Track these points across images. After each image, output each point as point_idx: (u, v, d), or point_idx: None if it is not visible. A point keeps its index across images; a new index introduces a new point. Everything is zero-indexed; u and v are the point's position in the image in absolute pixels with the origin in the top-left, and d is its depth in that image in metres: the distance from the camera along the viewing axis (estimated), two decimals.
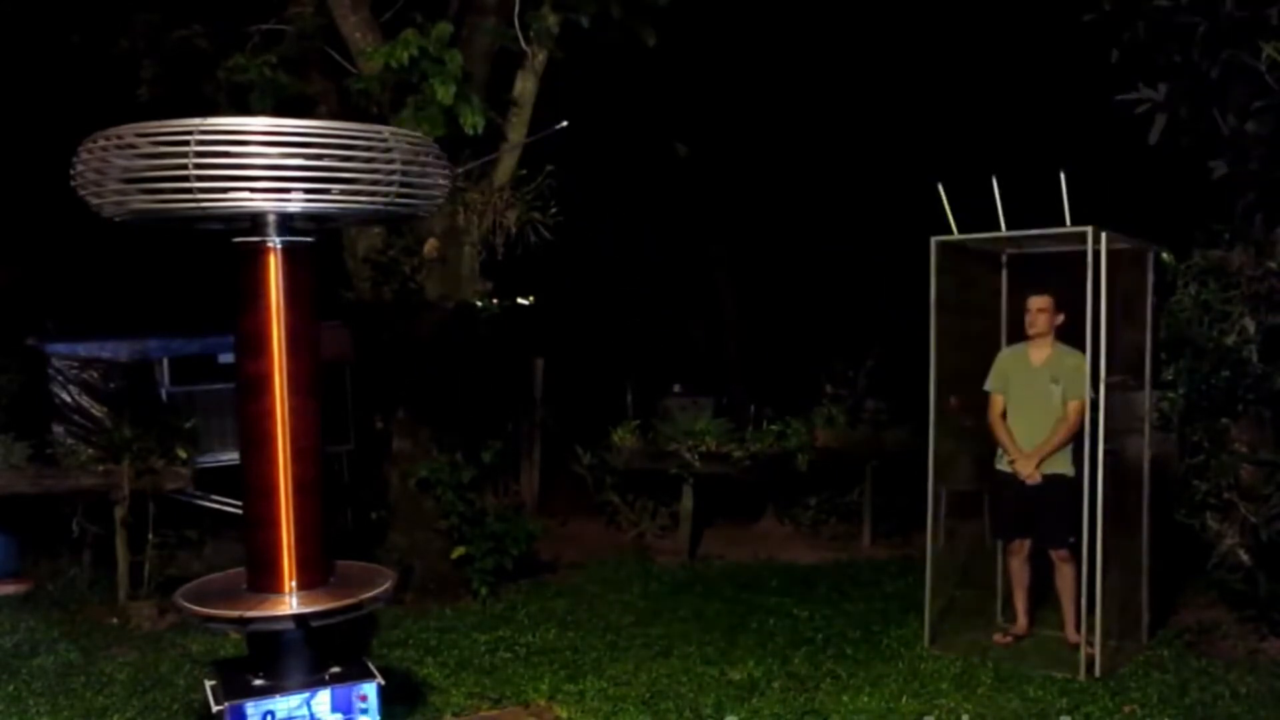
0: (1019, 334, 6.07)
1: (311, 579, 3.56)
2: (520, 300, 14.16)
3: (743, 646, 6.08)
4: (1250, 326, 5.92)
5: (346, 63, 6.98)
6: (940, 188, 5.92)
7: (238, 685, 3.50)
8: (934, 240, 5.99)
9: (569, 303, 13.78)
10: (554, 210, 7.17)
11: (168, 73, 7.23)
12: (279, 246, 3.43)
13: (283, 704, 3.45)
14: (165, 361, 7.89)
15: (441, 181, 3.56)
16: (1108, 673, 5.55)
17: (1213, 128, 5.90)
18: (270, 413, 3.46)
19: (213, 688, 3.59)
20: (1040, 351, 5.96)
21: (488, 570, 6.98)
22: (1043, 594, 6.25)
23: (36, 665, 5.84)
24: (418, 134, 3.52)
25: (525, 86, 7.11)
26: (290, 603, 3.48)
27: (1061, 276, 5.84)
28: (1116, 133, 6.55)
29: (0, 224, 9.25)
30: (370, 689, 3.57)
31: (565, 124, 6.18)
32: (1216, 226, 6.14)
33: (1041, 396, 5.89)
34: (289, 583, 3.52)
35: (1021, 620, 6.21)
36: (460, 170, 6.54)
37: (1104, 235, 5.42)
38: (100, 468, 6.94)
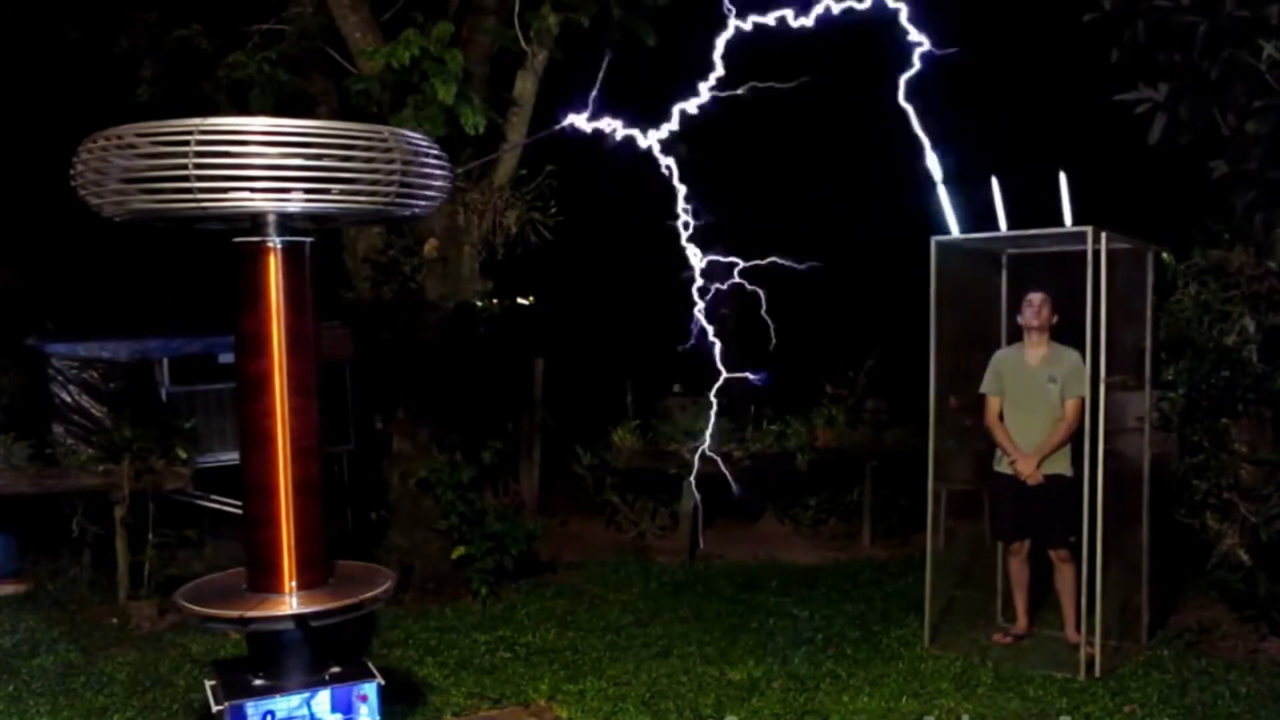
0: (1019, 334, 6.07)
1: (311, 579, 3.57)
2: (520, 300, 14.14)
3: (743, 646, 6.08)
4: (1250, 326, 5.93)
5: (346, 63, 6.98)
6: (941, 188, 5.92)
7: (238, 685, 3.50)
8: (934, 240, 5.99)
9: (569, 303, 13.76)
10: (554, 210, 7.17)
11: (168, 72, 7.23)
12: (279, 246, 3.43)
13: (283, 704, 3.45)
14: (165, 361, 7.88)
15: (441, 181, 3.56)
16: (1108, 673, 5.56)
17: (1213, 128, 5.91)
18: (270, 413, 3.47)
19: (213, 688, 3.59)
20: (1036, 351, 5.95)
21: (488, 570, 6.98)
22: (1043, 594, 6.25)
23: (36, 665, 5.85)
24: (418, 134, 3.52)
25: (525, 86, 7.11)
26: (290, 603, 3.49)
27: (1061, 276, 5.84)
28: (1116, 133, 6.55)
29: (0, 224, 9.24)
30: (370, 689, 3.57)
31: (566, 124, 6.18)
32: (1216, 226, 6.14)
33: (1040, 396, 5.89)
34: (289, 583, 3.52)
35: (1021, 620, 6.21)
36: (460, 170, 6.54)
37: (1104, 235, 5.42)
38: (100, 468, 6.95)
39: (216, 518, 7.46)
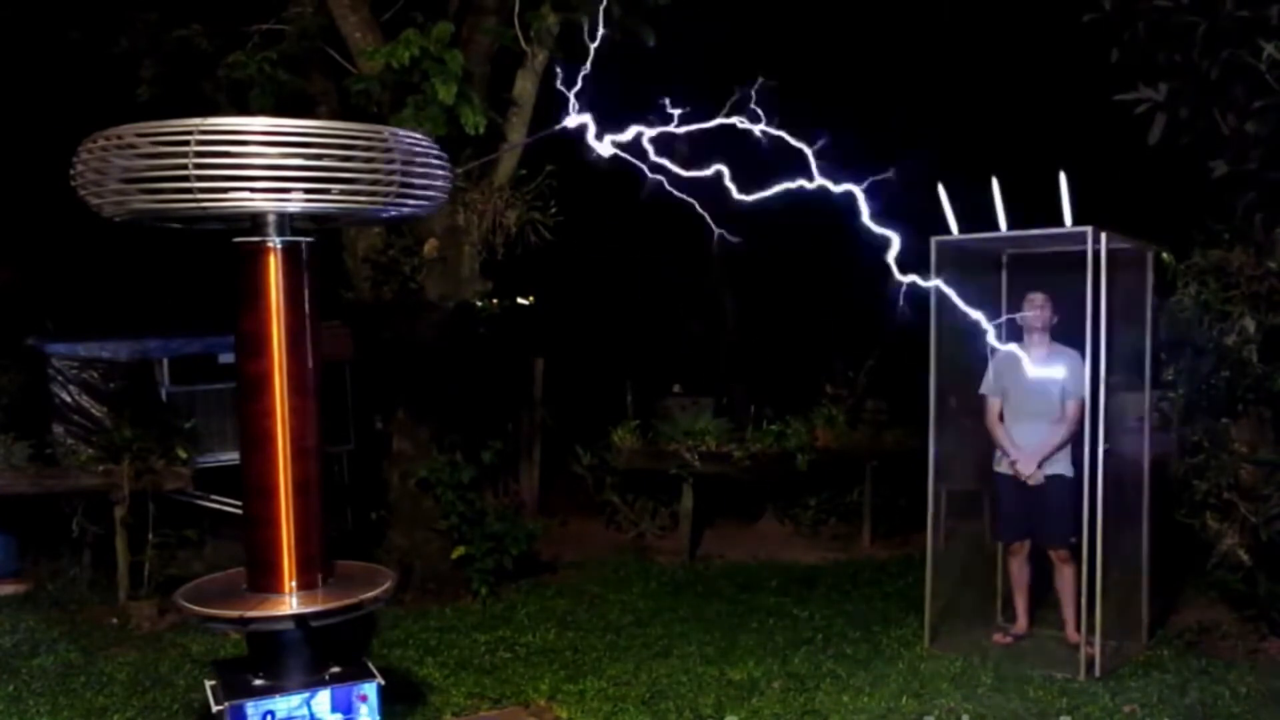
0: (1019, 334, 6.07)
1: (311, 579, 3.57)
2: (520, 300, 14.14)
3: (743, 646, 6.08)
4: (1250, 326, 5.92)
5: (346, 63, 6.98)
6: (940, 188, 5.92)
7: (238, 685, 3.50)
8: (934, 240, 5.98)
9: (569, 303, 13.77)
10: (554, 210, 7.17)
11: (168, 72, 7.23)
12: (279, 246, 3.43)
13: (283, 704, 3.45)
14: (165, 361, 7.88)
15: (441, 181, 3.56)
16: (1108, 673, 5.56)
17: (1213, 128, 5.90)
18: (270, 412, 3.47)
19: (213, 688, 3.59)
20: (1037, 351, 5.95)
21: (488, 570, 6.99)
22: (1043, 594, 6.25)
23: (36, 665, 5.85)
24: (418, 134, 3.52)
25: (525, 86, 7.11)
26: (290, 603, 3.49)
27: (1061, 276, 5.84)
28: (1116, 133, 6.55)
29: (0, 224, 9.24)
30: (370, 689, 3.57)
31: (566, 123, 6.20)
32: (1216, 226, 6.14)
33: (1040, 397, 5.89)
34: (289, 583, 3.52)
35: (1021, 620, 6.21)
36: (460, 170, 6.54)
37: (1104, 235, 5.42)
38: (100, 468, 6.95)
39: (216, 518, 7.46)
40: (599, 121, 3.97)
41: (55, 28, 7.95)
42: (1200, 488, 6.07)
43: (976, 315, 3.77)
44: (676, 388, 10.58)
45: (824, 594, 7.24)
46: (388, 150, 3.29)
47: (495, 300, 8.25)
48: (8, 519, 7.40)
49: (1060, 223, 5.59)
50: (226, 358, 7.63)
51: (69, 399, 7.75)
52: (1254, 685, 5.36)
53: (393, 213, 3.53)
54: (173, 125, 3.11)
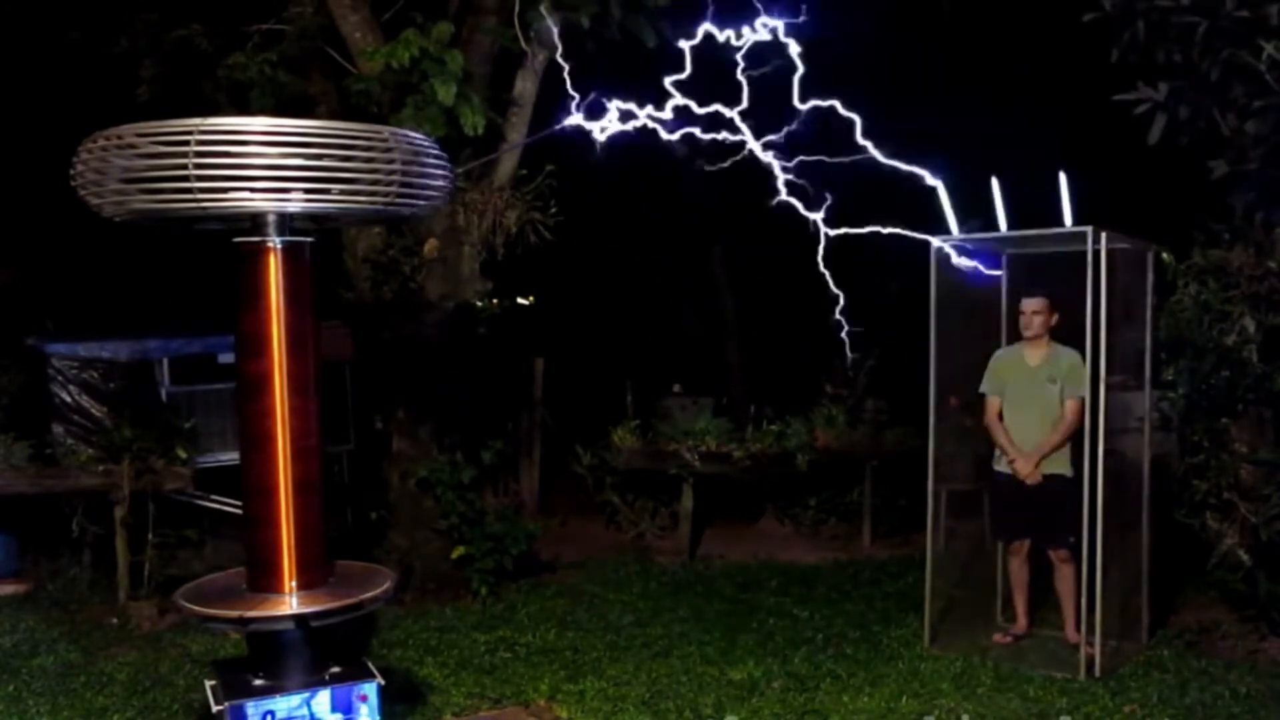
0: (1019, 334, 6.07)
1: (311, 579, 3.57)
2: (520, 300, 14.15)
3: (743, 646, 6.08)
4: (1250, 326, 5.93)
5: (346, 63, 6.98)
6: (940, 187, 5.91)
7: (238, 685, 3.50)
8: (933, 240, 5.98)
9: (569, 303, 13.77)
10: (554, 210, 7.17)
11: (168, 72, 7.24)
12: (279, 246, 3.43)
13: (283, 704, 3.46)
14: (165, 361, 7.88)
15: (441, 181, 3.56)
16: (1108, 673, 5.56)
17: (1213, 128, 5.90)
18: (270, 412, 3.47)
19: (213, 688, 3.59)
20: (1036, 351, 5.96)
21: (488, 570, 6.98)
22: (1043, 594, 6.25)
23: (36, 665, 5.85)
24: (418, 134, 3.52)
25: (525, 86, 7.11)
26: (290, 603, 3.49)
27: (1061, 276, 5.84)
28: (1116, 133, 6.55)
29: (0, 224, 9.25)
30: (370, 689, 3.57)
31: (566, 124, 6.20)
32: (1216, 226, 6.15)
33: (1039, 396, 5.89)
34: (289, 583, 3.52)
35: (1021, 620, 6.21)
36: (460, 170, 6.54)
37: (1104, 235, 5.42)
38: (100, 468, 6.95)
39: (216, 518, 7.46)
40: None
41: (55, 28, 7.95)
42: (1200, 488, 6.08)
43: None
44: (676, 388, 10.57)
45: (824, 594, 7.24)
46: (388, 150, 3.30)
47: (495, 300, 8.24)
48: (8, 519, 7.40)
49: (1060, 222, 5.59)
50: (226, 358, 7.62)
51: (69, 399, 7.75)
52: (1254, 685, 5.36)
53: (393, 213, 3.54)
54: (173, 125, 3.11)
